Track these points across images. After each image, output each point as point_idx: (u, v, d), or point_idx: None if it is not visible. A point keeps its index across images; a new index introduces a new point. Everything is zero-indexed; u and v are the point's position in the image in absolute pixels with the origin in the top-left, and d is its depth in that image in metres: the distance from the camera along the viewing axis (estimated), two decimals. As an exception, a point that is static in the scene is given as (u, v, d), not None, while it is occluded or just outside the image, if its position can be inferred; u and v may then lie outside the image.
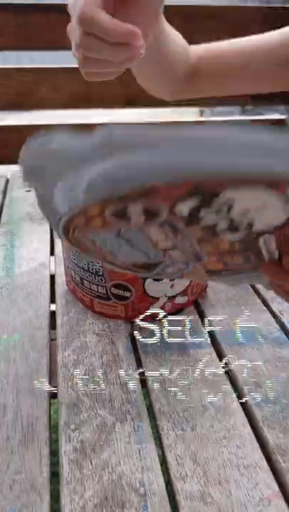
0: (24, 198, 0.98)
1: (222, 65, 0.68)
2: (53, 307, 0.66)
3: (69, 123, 1.39)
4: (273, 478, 0.43)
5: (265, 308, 0.66)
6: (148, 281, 0.59)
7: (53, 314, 0.64)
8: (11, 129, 1.34)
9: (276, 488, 0.42)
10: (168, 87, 0.66)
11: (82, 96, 1.30)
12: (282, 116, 1.55)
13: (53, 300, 0.67)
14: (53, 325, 0.63)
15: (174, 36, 0.63)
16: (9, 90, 1.25)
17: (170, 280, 0.61)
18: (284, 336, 0.61)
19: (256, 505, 0.40)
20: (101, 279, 0.60)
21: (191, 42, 1.37)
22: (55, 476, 0.43)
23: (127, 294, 0.60)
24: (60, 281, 0.70)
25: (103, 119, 1.45)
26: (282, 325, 0.63)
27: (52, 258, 0.77)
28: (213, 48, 0.69)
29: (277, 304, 0.67)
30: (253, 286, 0.71)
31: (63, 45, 1.38)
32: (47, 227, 0.87)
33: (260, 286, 0.71)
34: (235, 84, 0.71)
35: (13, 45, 1.20)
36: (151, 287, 0.60)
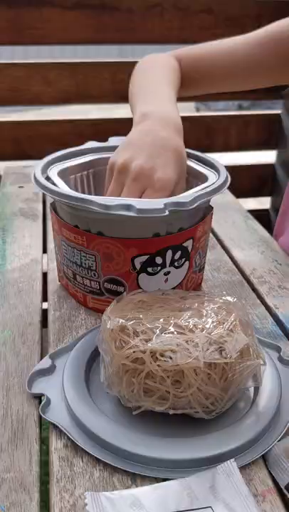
0: (17, 194, 0.97)
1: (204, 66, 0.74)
2: (45, 304, 0.65)
3: (66, 119, 1.38)
4: (268, 474, 0.42)
5: (259, 302, 0.66)
6: (141, 275, 0.59)
7: (44, 311, 0.63)
8: (3, 126, 1.33)
9: (270, 483, 0.41)
10: None
11: (75, 91, 1.29)
12: (278, 111, 1.54)
13: (45, 296, 0.67)
14: (45, 321, 0.62)
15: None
16: (2, 86, 1.24)
17: (164, 275, 0.60)
18: (279, 331, 0.60)
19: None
20: (94, 274, 0.59)
21: (186, 37, 1.38)
22: (45, 474, 0.42)
23: (121, 289, 0.59)
24: (53, 277, 0.69)
25: (101, 114, 1.44)
26: (277, 319, 0.62)
27: (45, 255, 0.76)
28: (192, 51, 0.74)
29: (272, 297, 0.66)
30: (248, 282, 0.70)
31: (56, 40, 1.37)
32: (39, 224, 0.86)
33: (256, 281, 0.70)
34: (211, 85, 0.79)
35: (6, 40, 1.19)
36: (145, 282, 0.59)
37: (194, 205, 0.53)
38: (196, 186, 0.60)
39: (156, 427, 0.45)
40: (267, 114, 1.59)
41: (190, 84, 0.77)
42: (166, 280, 0.60)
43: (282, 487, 0.40)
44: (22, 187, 1.00)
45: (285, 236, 0.84)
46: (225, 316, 0.47)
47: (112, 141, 0.71)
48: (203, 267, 0.68)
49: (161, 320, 0.46)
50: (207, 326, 0.45)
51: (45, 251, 0.78)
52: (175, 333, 0.44)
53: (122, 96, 1.33)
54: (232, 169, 0.65)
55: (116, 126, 1.32)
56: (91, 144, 0.71)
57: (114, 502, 0.36)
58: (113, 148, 0.63)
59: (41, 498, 0.40)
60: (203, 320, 0.46)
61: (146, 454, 0.42)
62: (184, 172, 0.60)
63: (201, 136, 1.48)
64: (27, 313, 0.62)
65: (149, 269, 0.58)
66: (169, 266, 0.59)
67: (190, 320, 0.46)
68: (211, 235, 0.83)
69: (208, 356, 0.43)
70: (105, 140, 0.72)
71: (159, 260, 0.58)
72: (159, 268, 0.59)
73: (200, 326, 0.45)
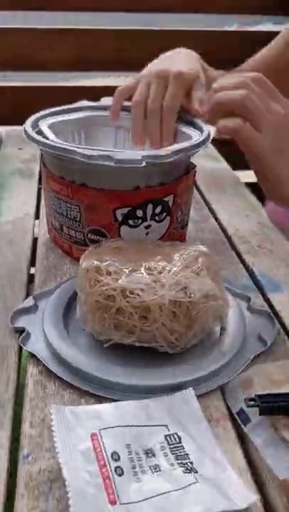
0: (16, 155, 1.00)
1: None
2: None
3: (67, 85, 1.40)
4: (224, 404, 0.46)
5: (238, 259, 0.69)
6: (123, 227, 0.62)
7: (33, 260, 0.67)
8: (5, 91, 1.36)
9: (225, 411, 0.45)
10: None
11: (78, 58, 1.30)
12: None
13: (35, 247, 0.70)
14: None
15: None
16: (6, 51, 1.26)
17: (145, 228, 0.63)
18: (252, 284, 0.63)
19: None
20: (78, 225, 0.63)
21: (190, 6, 1.35)
22: (20, 397, 0.46)
23: (103, 240, 0.62)
24: (43, 231, 0.73)
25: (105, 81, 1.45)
26: (251, 274, 0.65)
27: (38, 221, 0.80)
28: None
29: (250, 256, 0.69)
30: (229, 241, 0.73)
31: (57, 6, 1.38)
32: (35, 183, 0.89)
33: (236, 241, 0.73)
34: None
35: (7, 5, 1.21)
36: (127, 234, 0.62)
37: (171, 159, 0.56)
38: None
39: (125, 358, 0.49)
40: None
41: None
42: (147, 233, 0.63)
43: (234, 413, 0.44)
44: (21, 149, 1.03)
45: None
46: (193, 262, 0.50)
47: (104, 100, 0.73)
48: (186, 224, 0.71)
49: (133, 263, 0.50)
50: (174, 268, 0.49)
51: (38, 207, 0.81)
52: (144, 274, 0.48)
53: (125, 63, 1.35)
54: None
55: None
56: (83, 103, 0.74)
57: (77, 415, 0.40)
58: (105, 107, 0.66)
59: (15, 414, 0.44)
60: (172, 263, 0.50)
61: (112, 380, 0.46)
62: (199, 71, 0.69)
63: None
64: (16, 260, 0.66)
65: (130, 222, 0.62)
66: (150, 219, 0.62)
67: (160, 263, 0.49)
68: (200, 199, 0.86)
69: (173, 295, 0.46)
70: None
71: (139, 213, 0.61)
72: (140, 221, 0.62)
73: (168, 268, 0.48)
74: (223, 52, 1.13)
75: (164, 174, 0.61)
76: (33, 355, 0.49)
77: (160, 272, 0.48)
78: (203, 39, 1.35)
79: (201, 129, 0.67)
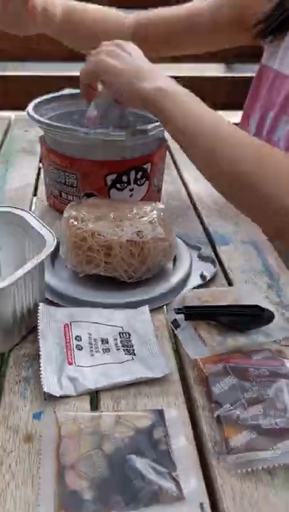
0: (22, 136, 1.16)
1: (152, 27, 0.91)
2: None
3: (71, 74, 1.55)
4: (165, 317, 0.61)
5: (198, 220, 0.84)
6: (112, 190, 0.77)
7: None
8: (17, 80, 1.51)
9: (164, 321, 0.60)
10: None
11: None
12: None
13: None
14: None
15: (94, 11, 0.95)
16: (14, 43, 1.41)
17: (129, 191, 0.78)
18: (205, 239, 0.78)
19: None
20: (75, 190, 0.78)
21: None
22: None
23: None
24: (41, 197, 0.88)
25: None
26: (206, 231, 0.80)
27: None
28: (144, 14, 0.92)
29: (209, 217, 0.84)
30: (194, 206, 0.88)
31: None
32: (36, 160, 1.04)
33: (199, 206, 0.88)
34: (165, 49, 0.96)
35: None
36: (115, 195, 0.77)
37: (150, 133, 0.72)
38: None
39: (95, 285, 0.64)
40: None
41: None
42: (131, 195, 0.79)
43: (170, 322, 0.59)
44: (27, 131, 1.18)
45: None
46: (148, 213, 0.65)
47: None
48: (161, 189, 0.86)
49: (102, 214, 0.65)
50: (132, 218, 0.64)
51: (38, 180, 0.97)
52: (109, 221, 0.63)
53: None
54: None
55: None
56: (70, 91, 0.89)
57: (56, 311, 0.56)
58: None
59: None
60: (132, 214, 0.65)
61: (86, 299, 0.61)
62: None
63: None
64: (17, 218, 0.81)
65: (118, 185, 0.77)
66: (133, 183, 0.78)
67: (122, 214, 0.65)
68: (176, 174, 1.01)
69: (130, 236, 0.62)
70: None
71: (125, 178, 0.76)
72: (125, 185, 0.77)
73: (128, 217, 0.64)
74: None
75: (143, 147, 0.76)
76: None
77: (121, 220, 0.64)
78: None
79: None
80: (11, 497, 0.41)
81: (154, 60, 0.70)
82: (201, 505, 0.40)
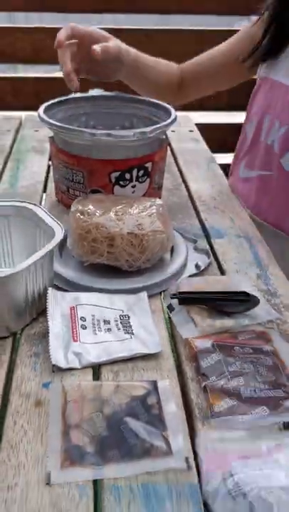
0: (32, 136, 1.22)
1: (197, 68, 1.01)
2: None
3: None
4: (161, 302, 0.67)
5: (196, 216, 0.90)
6: (116, 187, 0.83)
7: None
8: (28, 81, 1.58)
9: (160, 306, 0.67)
10: (163, 96, 0.97)
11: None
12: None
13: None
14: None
15: (153, 62, 1.02)
16: (26, 45, 1.48)
17: (132, 187, 0.84)
18: (201, 232, 0.84)
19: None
20: (82, 187, 0.84)
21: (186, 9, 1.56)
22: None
23: (99, 198, 0.84)
24: (50, 193, 0.95)
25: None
26: (203, 225, 0.86)
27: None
28: (192, 59, 1.03)
29: (206, 214, 0.90)
30: (192, 203, 0.94)
31: (73, 8, 1.60)
32: (46, 158, 1.11)
33: (198, 203, 0.94)
34: (210, 82, 1.08)
35: (26, 7, 1.42)
36: (119, 192, 0.83)
37: (152, 134, 0.78)
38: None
39: (99, 273, 0.71)
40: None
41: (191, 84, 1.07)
42: (133, 192, 0.85)
43: (166, 306, 0.66)
44: (37, 131, 1.25)
45: (234, 175, 1.07)
46: (148, 208, 0.72)
47: (92, 92, 0.95)
48: (161, 186, 0.92)
49: (106, 209, 0.71)
50: (133, 212, 0.70)
51: (47, 178, 1.03)
52: (112, 215, 0.70)
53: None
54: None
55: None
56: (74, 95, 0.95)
57: (63, 295, 0.63)
58: (93, 98, 0.88)
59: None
60: (133, 209, 0.71)
61: (90, 285, 0.68)
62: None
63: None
64: (28, 212, 0.88)
65: (121, 182, 0.83)
66: (135, 181, 0.84)
67: (124, 209, 0.71)
68: (177, 171, 1.07)
69: (130, 229, 0.68)
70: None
71: (127, 176, 0.83)
72: (128, 182, 0.83)
73: (129, 211, 0.70)
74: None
75: (146, 147, 0.82)
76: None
77: (123, 214, 0.70)
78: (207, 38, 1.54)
79: (169, 112, 0.88)
80: (23, 450, 0.47)
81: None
82: (187, 459, 0.47)
